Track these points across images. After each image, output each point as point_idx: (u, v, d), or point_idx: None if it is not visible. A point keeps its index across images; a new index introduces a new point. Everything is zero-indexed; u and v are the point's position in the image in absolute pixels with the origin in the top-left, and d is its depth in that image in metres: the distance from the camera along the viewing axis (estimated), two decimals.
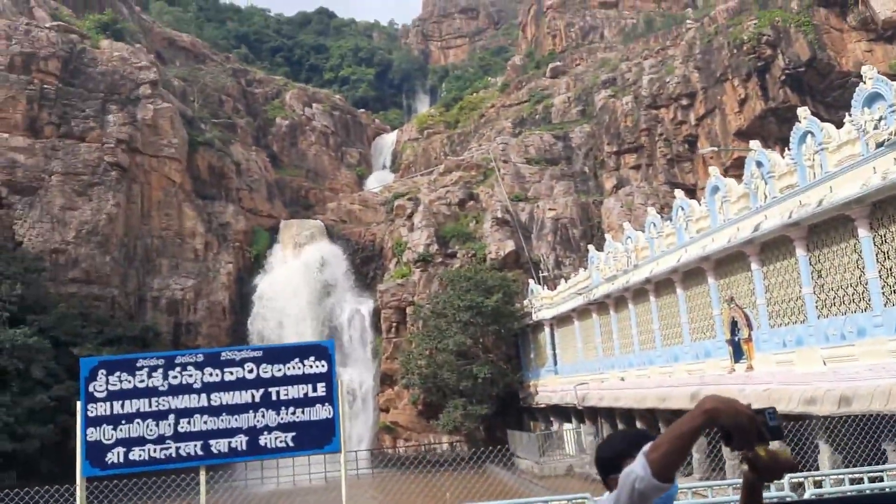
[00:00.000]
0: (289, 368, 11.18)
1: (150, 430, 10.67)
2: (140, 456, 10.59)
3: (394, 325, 45.03)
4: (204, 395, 10.90)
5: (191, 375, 10.94)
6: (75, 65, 46.59)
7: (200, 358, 11.05)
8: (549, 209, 47.11)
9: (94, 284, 42.69)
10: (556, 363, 39.15)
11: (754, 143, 21.58)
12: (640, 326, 29.74)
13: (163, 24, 72.92)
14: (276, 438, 10.91)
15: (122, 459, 10.56)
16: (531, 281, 42.07)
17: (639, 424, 29.05)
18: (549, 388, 39.06)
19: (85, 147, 44.87)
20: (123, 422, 10.67)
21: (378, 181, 69.30)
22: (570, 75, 57.89)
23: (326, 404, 11.11)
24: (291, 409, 11.03)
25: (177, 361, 10.98)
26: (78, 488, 10.43)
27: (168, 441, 10.68)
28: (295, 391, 11.11)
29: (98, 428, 10.60)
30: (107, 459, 10.55)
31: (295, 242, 51.80)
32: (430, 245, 46.14)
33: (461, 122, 69.70)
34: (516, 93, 61.18)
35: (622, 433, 2.98)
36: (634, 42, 56.26)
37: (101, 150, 45.01)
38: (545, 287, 41.28)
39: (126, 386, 10.78)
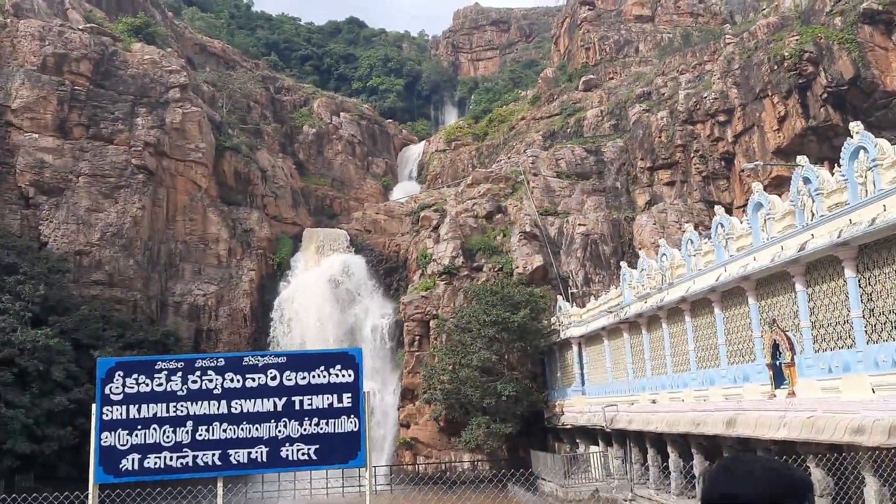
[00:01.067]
0: (314, 377, 10.47)
1: (167, 437, 10.00)
2: (156, 463, 9.92)
3: (416, 338, 44.24)
4: (224, 402, 10.22)
5: (211, 380, 10.27)
6: (106, 67, 46.71)
7: (221, 362, 10.39)
8: (580, 224, 46.17)
9: (116, 287, 42.47)
10: (583, 383, 38.08)
11: (801, 159, 20.60)
12: (673, 347, 28.68)
13: (194, 30, 73.37)
14: (298, 451, 10.18)
15: (136, 466, 9.90)
16: (559, 297, 41.10)
17: (670, 450, 27.96)
18: (575, 408, 37.99)
19: (113, 149, 44.86)
20: (139, 427, 10.01)
21: (404, 192, 68.78)
22: (603, 89, 57.08)
23: (352, 416, 10.38)
24: (315, 419, 10.31)
25: (197, 365, 10.32)
26: (90, 495, 9.78)
27: (185, 449, 10.00)
28: (319, 401, 10.39)
29: (113, 432, 9.95)
30: (121, 466, 9.89)
31: (318, 251, 51.34)
32: (456, 257, 45.38)
33: (490, 134, 69.09)
34: (548, 105, 60.46)
35: (764, 468, 2.23)
36: (670, 56, 55.34)
37: (129, 152, 44.98)
38: (574, 304, 40.30)
39: (143, 389, 10.13)
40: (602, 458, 35.22)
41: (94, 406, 10.06)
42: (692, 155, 46.02)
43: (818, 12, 42.57)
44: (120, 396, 10.10)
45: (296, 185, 56.98)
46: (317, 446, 10.20)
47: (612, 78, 58.85)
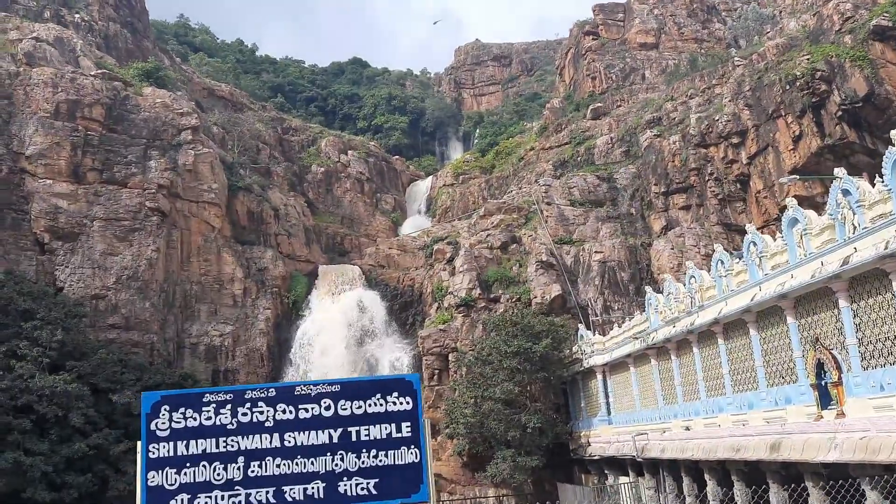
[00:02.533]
0: (370, 405, 9.97)
1: (218, 475, 9.47)
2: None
3: (436, 372, 43.55)
4: (276, 435, 9.72)
5: (262, 412, 9.78)
6: (119, 111, 46.88)
7: (272, 392, 9.90)
8: (596, 252, 45.73)
9: (133, 330, 42.02)
10: (609, 412, 37.25)
11: (839, 171, 20.19)
12: (706, 371, 27.99)
13: (202, 74, 74.00)
14: (357, 485, 9.63)
15: None
16: (580, 326, 40.49)
17: (708, 478, 27.11)
18: (602, 438, 37.09)
19: (126, 193, 44.78)
20: (188, 464, 9.49)
21: (413, 227, 68.56)
22: (612, 116, 57.09)
23: (413, 447, 9.85)
24: (374, 451, 9.78)
25: (246, 396, 9.84)
26: None
27: (237, 487, 9.46)
28: (377, 431, 9.87)
29: (160, 471, 9.42)
30: None
31: (333, 288, 50.90)
32: (473, 289, 44.90)
33: (497, 166, 69.08)
34: (556, 135, 60.46)
35: None
36: (678, 81, 55.43)
37: (143, 195, 44.89)
38: (595, 332, 39.65)
39: (191, 424, 9.63)
40: (633, 489, 34.23)
41: (139, 444, 9.53)
42: (707, 178, 45.74)
43: (827, 31, 42.65)
44: (166, 432, 9.59)
45: (308, 223, 56.80)
46: (376, 480, 9.66)
47: (620, 105, 58.92)
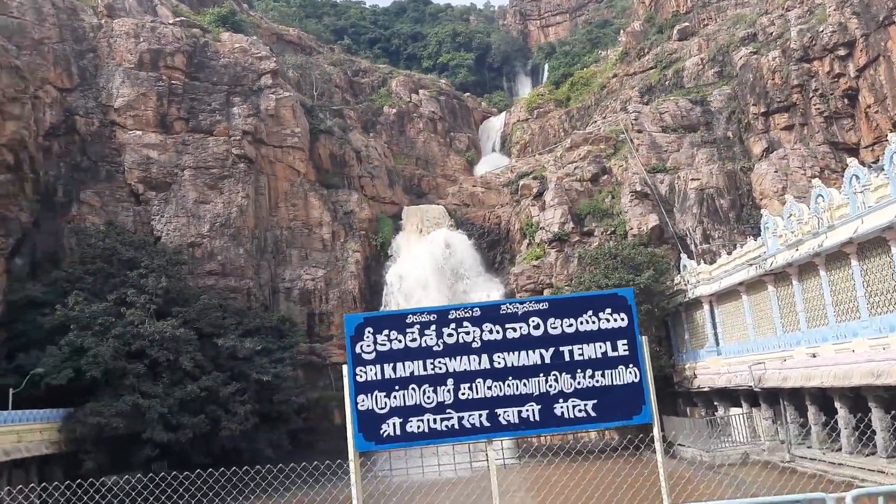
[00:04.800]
0: (581, 323, 9.22)
1: (428, 398, 8.93)
2: (419, 428, 8.86)
3: None
4: (485, 356, 9.09)
5: (468, 333, 9.15)
6: (199, 59, 46.73)
7: (477, 312, 9.24)
8: (692, 179, 43.87)
9: (230, 276, 42.61)
10: (717, 343, 36.11)
11: None
12: (836, 295, 26.50)
13: (270, 20, 73.33)
14: (574, 407, 8.97)
15: (398, 432, 8.87)
16: (683, 256, 39.14)
17: (838, 405, 25.94)
18: (710, 370, 36.07)
19: (213, 140, 44.91)
20: (397, 387, 8.97)
21: (489, 165, 67.31)
22: (700, 36, 54.10)
23: (631, 366, 9.11)
24: (589, 371, 9.08)
25: (450, 317, 9.21)
26: (352, 465, 8.83)
27: (449, 410, 8.92)
28: (591, 350, 9.15)
29: (369, 395, 8.94)
30: (382, 432, 8.88)
31: (419, 229, 50.53)
32: (565, 223, 43.81)
33: (573, 98, 66.81)
34: (639, 60, 57.83)
35: None
36: None
37: (229, 142, 44.95)
38: (699, 262, 38.26)
39: (396, 346, 9.09)
40: (746, 420, 33.31)
41: (345, 368, 9.07)
42: (811, 95, 43.02)
43: None
44: (372, 355, 9.09)
45: (390, 164, 56.23)
46: (594, 401, 8.98)
47: (708, 24, 55.74)
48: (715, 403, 36.15)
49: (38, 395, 33.74)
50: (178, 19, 47.98)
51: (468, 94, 79.71)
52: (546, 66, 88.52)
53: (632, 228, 42.03)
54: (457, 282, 47.74)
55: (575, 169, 47.46)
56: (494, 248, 49.65)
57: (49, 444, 32.43)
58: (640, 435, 21.68)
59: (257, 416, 37.84)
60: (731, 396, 34.77)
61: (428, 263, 47.59)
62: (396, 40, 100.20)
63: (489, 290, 46.87)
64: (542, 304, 9.43)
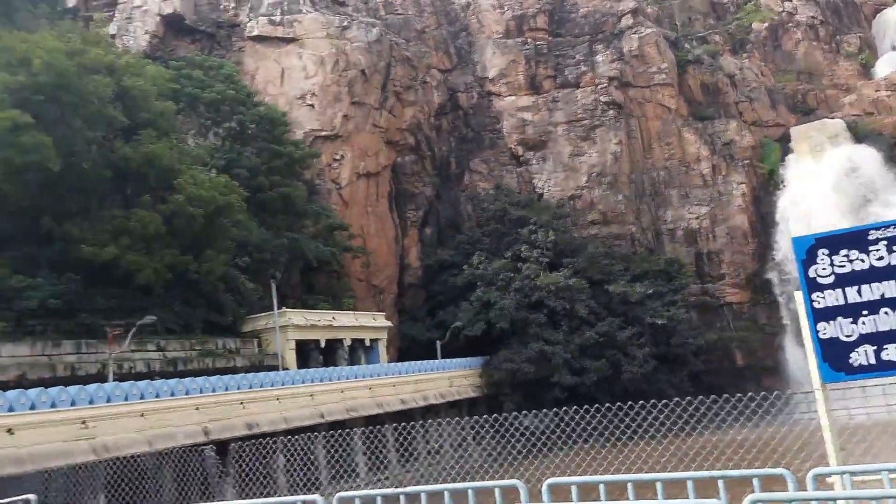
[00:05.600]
0: None
1: None
2: None
3: None
4: None
5: None
6: (559, 15, 47.73)
7: None
8: None
9: (611, 224, 43.16)
10: None
11: None
12: None
13: None
14: None
15: (873, 360, 7.81)
16: None
17: None
18: None
19: (580, 92, 45.61)
20: (865, 312, 7.89)
21: (889, 65, 56.98)
22: None
23: None
24: None
25: None
26: (818, 398, 8.03)
27: None
28: None
29: (832, 322, 8.02)
30: (851, 361, 7.91)
31: (812, 149, 45.08)
32: None
33: None
34: None
35: None
36: None
37: (595, 91, 45.23)
38: None
39: (859, 266, 7.98)
40: None
41: (797, 294, 8.23)
42: None
43: None
44: (830, 279, 8.11)
45: (769, 84, 51.13)
46: None
47: None
48: None
49: (457, 345, 38.28)
50: None
51: None
52: None
53: None
54: (866, 204, 41.69)
55: None
56: None
57: (474, 387, 36.66)
58: None
59: (655, 358, 37.95)
60: None
61: (827, 187, 42.35)
62: None
63: None
64: None
